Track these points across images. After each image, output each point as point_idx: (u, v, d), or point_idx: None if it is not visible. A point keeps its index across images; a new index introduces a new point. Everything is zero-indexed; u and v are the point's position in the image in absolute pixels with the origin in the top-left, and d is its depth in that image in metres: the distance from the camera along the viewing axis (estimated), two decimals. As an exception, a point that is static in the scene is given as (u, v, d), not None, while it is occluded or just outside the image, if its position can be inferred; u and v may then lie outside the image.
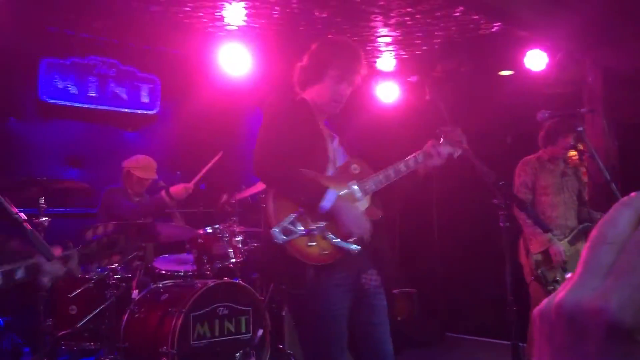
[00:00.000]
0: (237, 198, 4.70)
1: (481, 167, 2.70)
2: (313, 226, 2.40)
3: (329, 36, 2.79)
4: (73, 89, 5.52)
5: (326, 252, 2.41)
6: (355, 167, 2.63)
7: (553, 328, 0.41)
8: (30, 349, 4.44)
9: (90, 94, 5.63)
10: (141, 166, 4.75)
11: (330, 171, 2.60)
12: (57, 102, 5.42)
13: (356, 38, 5.94)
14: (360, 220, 2.48)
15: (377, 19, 5.47)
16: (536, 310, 0.43)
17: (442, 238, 6.91)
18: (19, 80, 5.23)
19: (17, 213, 1.60)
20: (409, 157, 2.67)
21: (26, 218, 1.66)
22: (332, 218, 2.43)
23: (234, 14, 5.39)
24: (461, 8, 5.02)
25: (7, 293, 4.40)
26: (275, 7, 5.21)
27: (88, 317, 3.77)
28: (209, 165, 4.71)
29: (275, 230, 2.35)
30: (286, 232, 2.36)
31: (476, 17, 5.24)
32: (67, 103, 5.48)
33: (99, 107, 5.67)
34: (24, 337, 4.47)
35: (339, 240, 2.41)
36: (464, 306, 6.46)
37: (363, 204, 2.58)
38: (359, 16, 5.42)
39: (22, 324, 4.45)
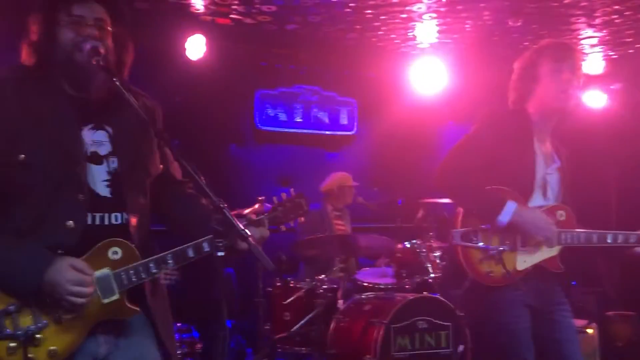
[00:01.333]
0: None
1: None
2: (492, 247, 2.38)
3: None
4: (282, 116, 6.18)
5: (492, 275, 2.38)
6: (561, 214, 2.51)
7: None
8: (252, 350, 4.99)
9: (297, 120, 6.24)
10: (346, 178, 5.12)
11: (535, 201, 2.49)
12: (269, 128, 6.12)
13: (556, 43, 5.64)
14: (544, 225, 2.40)
15: (579, 20, 5.14)
16: None
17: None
18: (237, 110, 5.97)
19: (243, 229, 1.77)
20: (621, 232, 2.52)
21: (250, 233, 1.87)
22: (514, 232, 2.38)
23: (426, 32, 5.50)
24: (680, -2, 4.50)
25: (233, 298, 5.01)
26: (467, 21, 5.20)
27: (300, 323, 4.13)
28: None
29: (455, 232, 2.39)
30: (465, 237, 2.39)
31: (700, 4, 4.64)
32: (277, 129, 6.16)
33: (304, 130, 6.27)
34: (247, 339, 5.04)
35: (509, 272, 2.37)
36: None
37: (551, 252, 2.47)
38: (559, 20, 5.15)
39: (245, 327, 5.02)
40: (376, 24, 5.25)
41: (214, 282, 1.81)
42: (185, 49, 5.17)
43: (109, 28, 1.88)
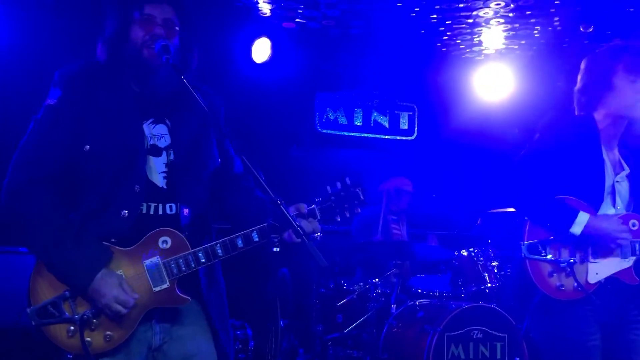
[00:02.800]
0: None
1: None
2: (562, 259, 2.30)
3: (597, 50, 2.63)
4: (342, 120, 6.22)
5: (563, 289, 2.29)
6: (634, 223, 2.41)
7: None
8: (304, 350, 5.02)
9: (357, 123, 6.26)
10: (404, 182, 5.15)
11: (605, 209, 2.40)
12: (329, 131, 6.18)
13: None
14: (619, 233, 2.30)
15: (657, 27, 4.92)
16: None
17: None
18: (299, 113, 6.04)
19: (299, 225, 1.79)
20: None
21: (305, 230, 1.87)
22: (586, 243, 2.30)
23: (493, 38, 5.40)
24: None
25: (286, 298, 5.06)
26: (536, 26, 5.08)
27: (352, 326, 4.13)
28: None
29: (523, 245, 2.33)
30: (533, 250, 2.32)
31: None
32: (337, 132, 6.21)
33: (364, 134, 6.28)
34: (299, 339, 5.08)
35: (581, 286, 2.28)
36: None
37: (625, 263, 2.37)
38: (635, 26, 4.94)
39: (298, 327, 5.06)
40: (441, 28, 5.20)
41: (269, 279, 1.79)
42: (251, 52, 5.29)
43: (177, 29, 1.95)
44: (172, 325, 1.90)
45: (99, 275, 1.75)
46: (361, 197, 1.97)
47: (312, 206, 1.94)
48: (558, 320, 2.33)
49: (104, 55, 1.94)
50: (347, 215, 1.97)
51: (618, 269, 2.36)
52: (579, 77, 2.54)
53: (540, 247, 2.32)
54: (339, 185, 1.96)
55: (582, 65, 2.55)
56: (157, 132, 1.93)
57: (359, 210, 1.98)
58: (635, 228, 2.40)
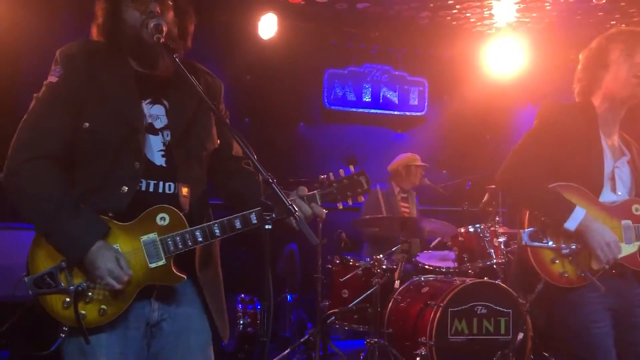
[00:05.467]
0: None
1: None
2: (564, 245, 2.25)
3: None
4: (351, 96, 6.16)
5: (566, 276, 2.25)
6: (637, 208, 2.36)
7: None
8: (312, 324, 5.10)
9: (365, 99, 6.20)
10: (412, 158, 5.15)
11: (605, 196, 2.35)
12: (337, 108, 6.13)
13: (648, 21, 5.30)
14: (609, 246, 2.24)
15: (675, -4, 4.79)
16: None
17: None
18: (307, 89, 6.02)
19: (290, 204, 1.77)
20: None
21: (296, 209, 1.87)
22: (582, 240, 2.26)
23: (504, 11, 5.31)
24: None
25: (295, 273, 5.10)
26: (548, -1, 4.98)
27: (355, 302, 4.18)
28: None
29: (524, 232, 2.29)
30: (534, 237, 2.29)
31: None
32: (346, 109, 6.15)
33: (373, 110, 6.22)
34: (308, 314, 5.15)
35: (584, 272, 2.24)
36: None
37: (629, 248, 2.33)
38: (650, -4, 4.82)
39: (306, 302, 5.14)
40: (450, 2, 5.13)
41: (264, 255, 1.79)
42: (257, 28, 5.27)
43: (170, 2, 1.94)
44: (170, 303, 1.93)
45: (94, 247, 1.78)
46: (365, 186, 1.98)
47: (313, 192, 1.94)
48: (564, 308, 2.29)
49: (101, 39, 1.95)
50: (350, 202, 1.98)
51: (623, 255, 2.31)
52: (577, 68, 2.50)
53: (540, 234, 2.27)
54: (341, 173, 1.98)
55: (580, 56, 2.50)
56: (154, 113, 1.94)
57: (363, 199, 1.99)
58: (639, 213, 2.36)
